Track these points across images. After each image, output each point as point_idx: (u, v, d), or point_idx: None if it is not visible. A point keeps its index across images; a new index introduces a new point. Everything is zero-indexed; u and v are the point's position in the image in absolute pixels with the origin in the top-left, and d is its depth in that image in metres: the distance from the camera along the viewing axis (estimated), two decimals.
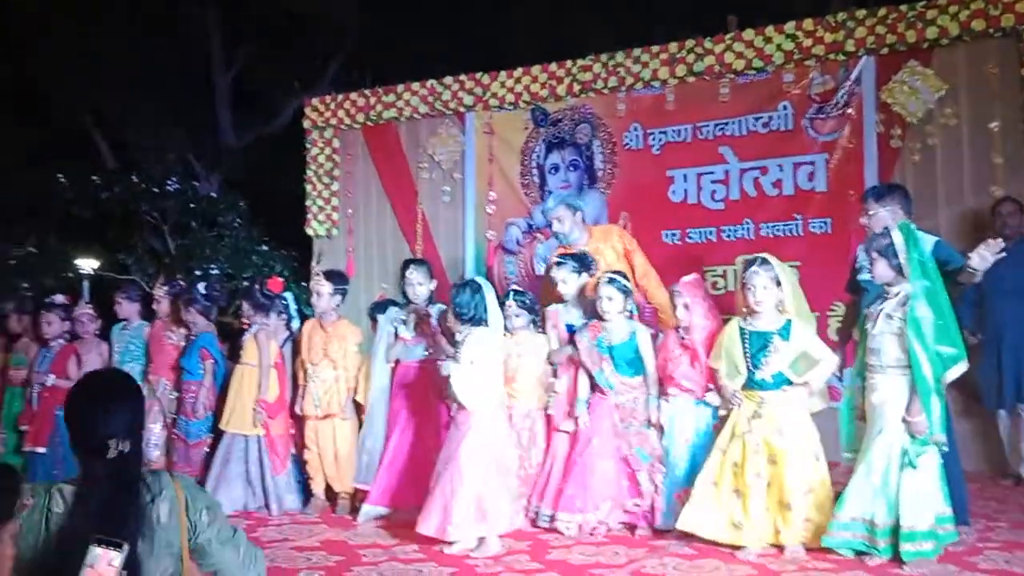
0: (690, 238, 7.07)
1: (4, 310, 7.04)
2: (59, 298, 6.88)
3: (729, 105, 7.01)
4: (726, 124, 7.04)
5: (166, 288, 6.59)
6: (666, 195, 7.17)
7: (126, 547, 1.85)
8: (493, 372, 4.71)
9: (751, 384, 4.44)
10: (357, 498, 5.60)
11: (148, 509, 2.17)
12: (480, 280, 4.83)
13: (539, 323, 5.34)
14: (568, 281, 5.27)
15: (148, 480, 2.24)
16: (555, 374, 5.19)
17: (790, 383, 4.42)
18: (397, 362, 5.58)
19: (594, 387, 5.01)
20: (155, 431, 6.46)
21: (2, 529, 1.73)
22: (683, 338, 4.84)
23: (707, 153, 7.06)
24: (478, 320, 4.68)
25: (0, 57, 13.18)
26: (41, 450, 6.27)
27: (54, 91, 13.25)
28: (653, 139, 7.27)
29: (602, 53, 7.38)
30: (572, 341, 5.13)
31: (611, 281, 4.96)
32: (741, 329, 4.49)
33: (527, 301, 5.25)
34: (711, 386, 4.72)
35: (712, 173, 7.06)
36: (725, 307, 5.32)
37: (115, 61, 12.85)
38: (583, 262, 5.32)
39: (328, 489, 5.78)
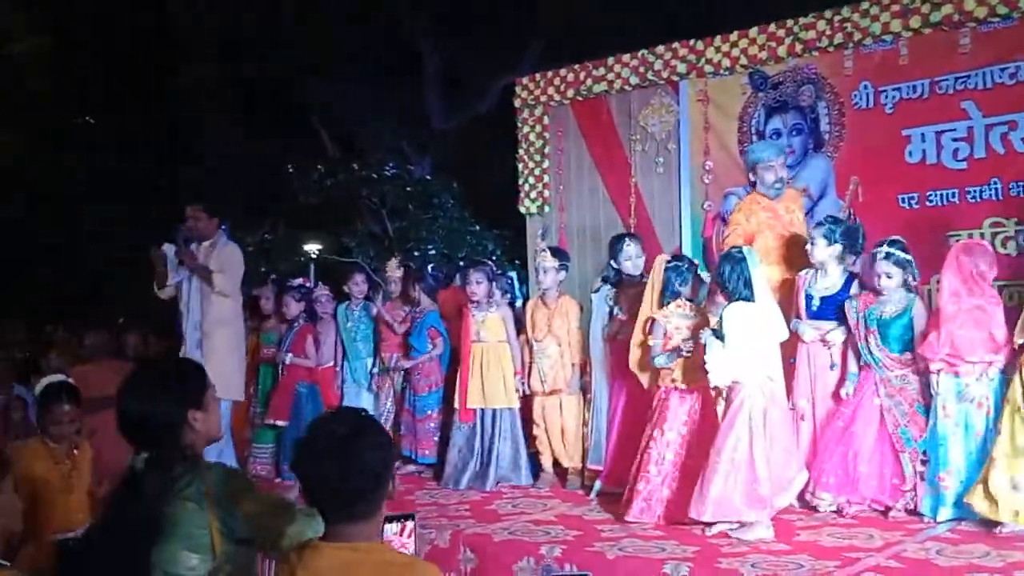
0: (930, 201, 6.55)
1: (255, 293, 7.50)
2: (297, 280, 7.30)
3: (971, 56, 6.42)
4: (968, 77, 6.44)
5: (401, 270, 6.84)
6: (902, 156, 6.67)
7: (415, 515, 1.92)
8: (758, 346, 4.44)
9: None
10: (587, 474, 5.62)
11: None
12: (744, 250, 4.61)
13: None
14: (818, 245, 4.94)
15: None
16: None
17: None
18: (616, 339, 5.53)
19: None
20: (387, 406, 6.78)
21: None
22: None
23: (947, 109, 6.49)
24: (737, 293, 4.48)
25: (237, 58, 14.09)
26: (282, 423, 6.65)
27: (288, 88, 14.03)
28: (885, 97, 6.77)
29: (826, 9, 6.98)
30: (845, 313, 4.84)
31: (888, 256, 4.64)
32: None
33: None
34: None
35: (953, 130, 6.50)
36: None
37: (336, 55, 13.47)
38: (846, 236, 4.95)
39: (556, 464, 5.84)
